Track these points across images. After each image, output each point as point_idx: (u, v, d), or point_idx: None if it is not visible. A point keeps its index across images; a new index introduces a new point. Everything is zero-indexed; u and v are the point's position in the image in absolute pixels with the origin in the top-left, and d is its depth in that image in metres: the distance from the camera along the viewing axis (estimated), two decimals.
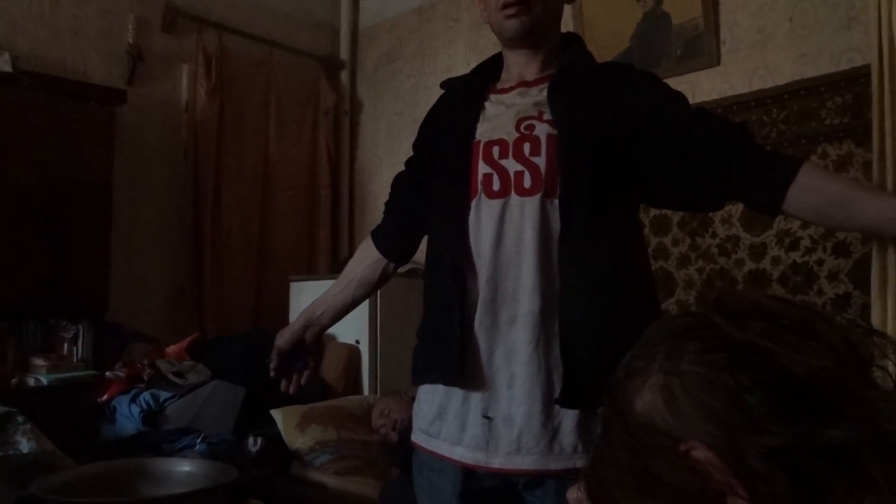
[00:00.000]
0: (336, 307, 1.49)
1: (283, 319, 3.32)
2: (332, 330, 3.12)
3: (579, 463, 1.12)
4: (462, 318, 1.19)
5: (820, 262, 2.35)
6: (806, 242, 2.38)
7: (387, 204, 1.51)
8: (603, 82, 1.25)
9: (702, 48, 2.71)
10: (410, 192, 1.43)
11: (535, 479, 1.16)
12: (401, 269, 3.57)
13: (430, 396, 1.27)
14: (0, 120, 2.67)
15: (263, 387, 2.79)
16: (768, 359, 0.52)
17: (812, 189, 1.11)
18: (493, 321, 1.19)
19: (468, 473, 1.21)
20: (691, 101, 1.27)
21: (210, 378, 2.72)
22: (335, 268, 3.49)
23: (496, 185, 1.21)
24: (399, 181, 1.48)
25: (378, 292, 3.02)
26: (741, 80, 2.60)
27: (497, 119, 1.26)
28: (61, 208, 2.83)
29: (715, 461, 0.51)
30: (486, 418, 1.18)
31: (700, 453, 0.51)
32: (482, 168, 1.22)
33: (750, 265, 2.50)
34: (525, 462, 1.15)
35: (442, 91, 1.42)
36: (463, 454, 1.20)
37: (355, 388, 3.02)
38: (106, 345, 2.86)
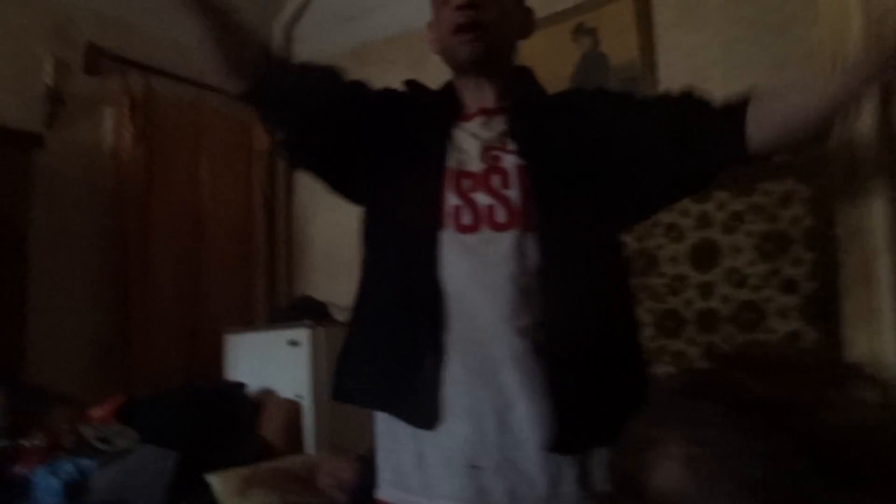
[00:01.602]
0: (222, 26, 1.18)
1: (218, 375, 3.14)
2: (271, 384, 2.99)
3: None
4: (435, 361, 1.12)
5: (768, 300, 2.34)
6: (753, 280, 2.37)
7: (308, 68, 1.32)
8: (561, 110, 1.25)
9: (640, 88, 2.73)
10: (354, 102, 1.29)
11: None
12: (343, 319, 3.38)
13: (392, 445, 1.18)
14: None
15: (198, 449, 2.61)
16: (804, 417, 0.45)
17: (765, 115, 1.11)
18: (474, 363, 1.11)
19: None
20: None
21: (138, 442, 2.51)
22: (273, 317, 3.33)
23: (467, 219, 1.15)
24: (354, 86, 1.32)
25: (323, 345, 2.90)
26: None
27: (465, 148, 1.21)
28: None
29: None
30: (475, 467, 1.09)
31: None
32: (451, 199, 1.17)
33: (700, 304, 2.48)
34: None
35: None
36: None
37: (298, 446, 2.85)
38: (23, 410, 2.61)
